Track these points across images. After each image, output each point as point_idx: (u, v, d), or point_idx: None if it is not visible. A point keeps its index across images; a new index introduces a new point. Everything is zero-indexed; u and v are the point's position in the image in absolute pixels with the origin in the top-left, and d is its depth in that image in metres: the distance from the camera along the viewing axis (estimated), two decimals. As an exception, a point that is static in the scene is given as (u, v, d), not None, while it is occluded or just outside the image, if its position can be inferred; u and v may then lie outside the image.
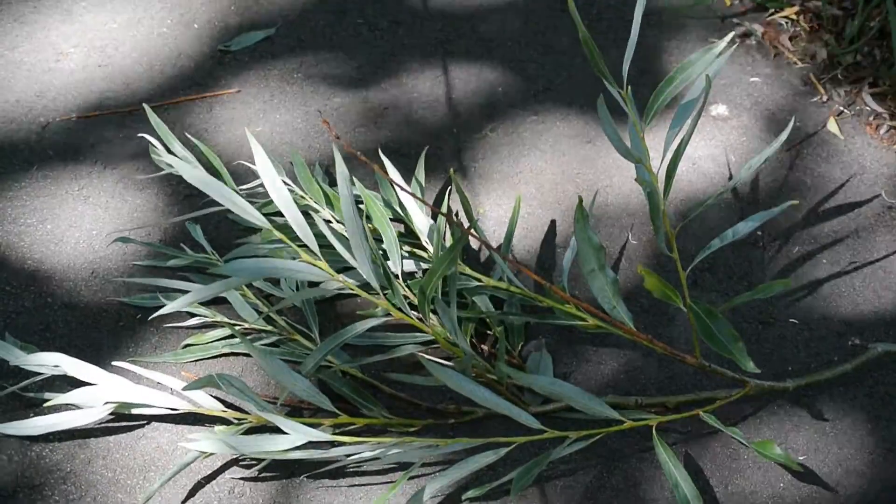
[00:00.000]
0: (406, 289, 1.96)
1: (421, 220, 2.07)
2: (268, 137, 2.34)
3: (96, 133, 2.36)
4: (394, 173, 2.16)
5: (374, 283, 1.80)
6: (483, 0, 2.64)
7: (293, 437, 1.77)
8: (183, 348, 2.00)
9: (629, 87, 1.71)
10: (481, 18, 2.60)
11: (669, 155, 1.77)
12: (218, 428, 1.85)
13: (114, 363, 1.94)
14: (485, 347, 1.99)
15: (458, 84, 2.46)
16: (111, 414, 1.87)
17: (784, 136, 1.86)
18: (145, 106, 2.08)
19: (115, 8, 2.62)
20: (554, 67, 2.49)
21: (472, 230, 2.01)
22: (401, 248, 2.00)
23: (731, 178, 2.25)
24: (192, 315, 2.03)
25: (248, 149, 2.29)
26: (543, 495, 1.81)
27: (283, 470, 1.84)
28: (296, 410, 1.91)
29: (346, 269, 1.89)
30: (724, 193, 1.83)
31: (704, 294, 2.07)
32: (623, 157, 1.72)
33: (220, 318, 2.01)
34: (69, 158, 2.31)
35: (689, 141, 1.75)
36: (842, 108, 2.39)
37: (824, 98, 2.41)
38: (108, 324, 2.04)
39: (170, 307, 1.73)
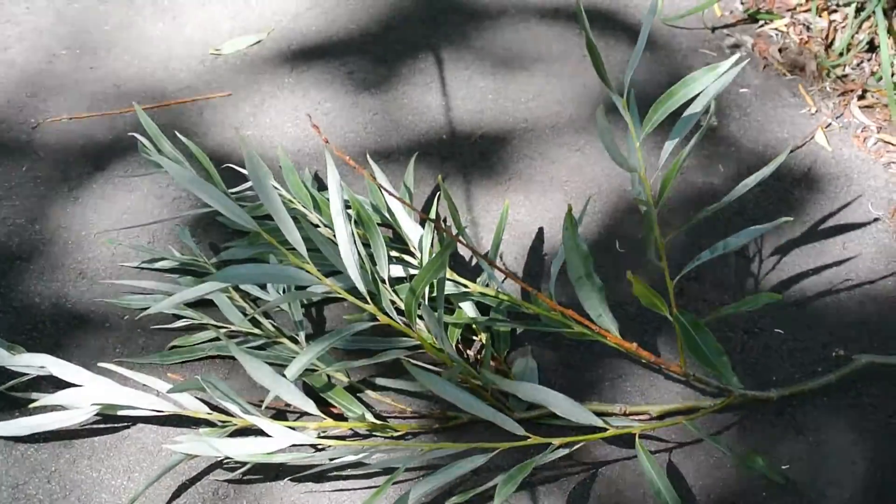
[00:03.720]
0: (393, 294, 1.97)
1: (409, 226, 2.07)
2: (258, 141, 2.35)
3: (87, 134, 2.36)
4: (382, 178, 2.16)
5: (362, 288, 1.80)
6: (475, 7, 2.64)
7: (277, 440, 1.78)
8: (169, 350, 2.00)
9: (632, 94, 1.72)
10: (473, 25, 2.60)
11: (664, 168, 1.78)
12: (202, 430, 1.85)
13: (100, 364, 1.94)
14: (471, 353, 1.99)
15: (448, 90, 2.46)
16: (97, 415, 1.87)
17: (782, 158, 1.86)
18: (136, 105, 2.08)
19: (108, 10, 2.63)
20: (544, 75, 2.50)
21: (460, 236, 2.02)
22: (388, 254, 2.01)
23: (719, 187, 2.26)
24: (179, 317, 2.03)
25: (237, 152, 2.30)
26: (526, 501, 1.81)
27: (267, 473, 1.84)
28: (281, 414, 1.92)
29: (333, 272, 1.89)
30: (716, 208, 1.83)
31: (691, 303, 2.07)
32: (619, 166, 1.72)
33: (206, 320, 2.02)
34: (59, 159, 2.31)
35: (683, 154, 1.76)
36: (830, 121, 2.40)
37: (813, 110, 2.42)
38: (96, 324, 2.04)
39: (155, 308, 1.74)
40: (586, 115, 2.40)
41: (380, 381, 1.95)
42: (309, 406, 1.82)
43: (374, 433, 1.87)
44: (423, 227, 2.05)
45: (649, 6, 1.74)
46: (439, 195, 2.19)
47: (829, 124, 2.39)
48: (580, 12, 1.66)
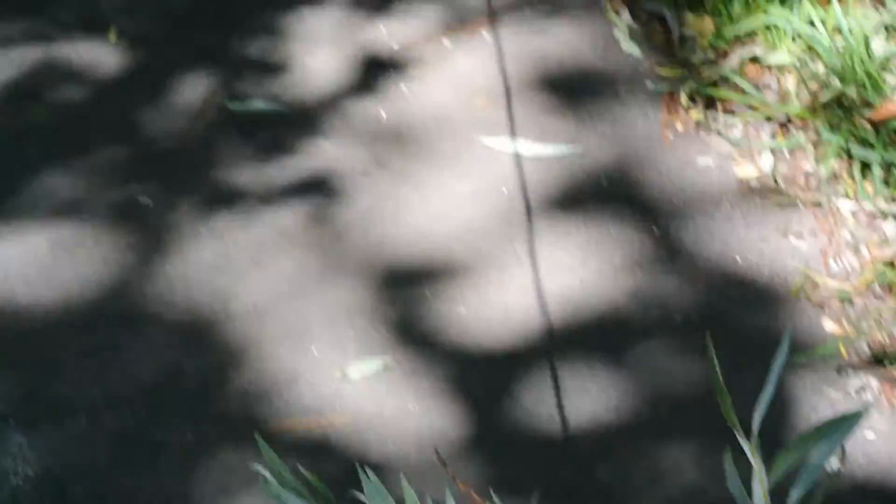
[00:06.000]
0: None
1: (534, 570, 2.04)
2: (380, 470, 2.34)
3: (212, 453, 2.38)
4: (507, 516, 2.14)
5: None
6: (601, 335, 2.65)
7: None
8: None
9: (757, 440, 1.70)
10: (599, 343, 2.60)
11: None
12: None
13: None
14: None
15: (571, 408, 2.45)
16: None
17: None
18: (258, 438, 2.09)
19: (231, 328, 2.68)
20: (670, 407, 2.48)
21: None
22: None
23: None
24: None
25: (358, 481, 2.29)
26: None
27: None
28: None
29: None
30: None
31: None
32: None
33: None
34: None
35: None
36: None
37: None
38: None
39: None
40: (714, 454, 2.38)
41: None
42: None
43: None
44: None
45: (781, 346, 1.73)
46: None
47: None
48: (710, 354, 1.66)
